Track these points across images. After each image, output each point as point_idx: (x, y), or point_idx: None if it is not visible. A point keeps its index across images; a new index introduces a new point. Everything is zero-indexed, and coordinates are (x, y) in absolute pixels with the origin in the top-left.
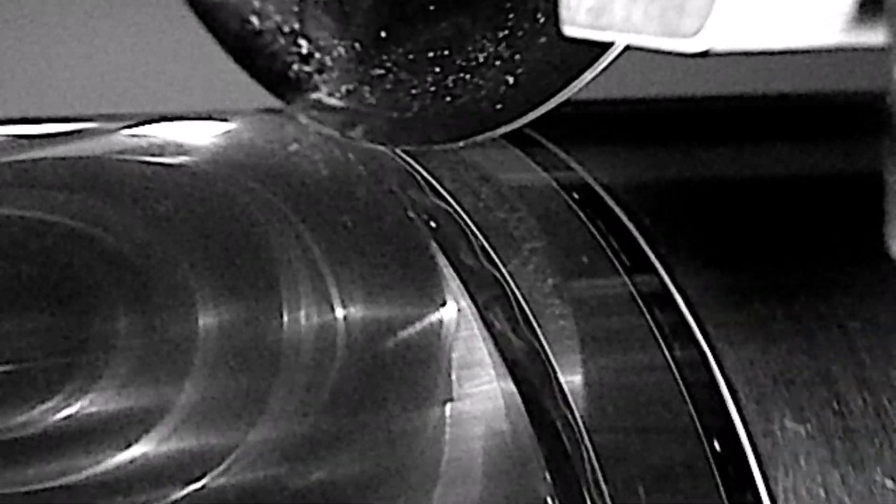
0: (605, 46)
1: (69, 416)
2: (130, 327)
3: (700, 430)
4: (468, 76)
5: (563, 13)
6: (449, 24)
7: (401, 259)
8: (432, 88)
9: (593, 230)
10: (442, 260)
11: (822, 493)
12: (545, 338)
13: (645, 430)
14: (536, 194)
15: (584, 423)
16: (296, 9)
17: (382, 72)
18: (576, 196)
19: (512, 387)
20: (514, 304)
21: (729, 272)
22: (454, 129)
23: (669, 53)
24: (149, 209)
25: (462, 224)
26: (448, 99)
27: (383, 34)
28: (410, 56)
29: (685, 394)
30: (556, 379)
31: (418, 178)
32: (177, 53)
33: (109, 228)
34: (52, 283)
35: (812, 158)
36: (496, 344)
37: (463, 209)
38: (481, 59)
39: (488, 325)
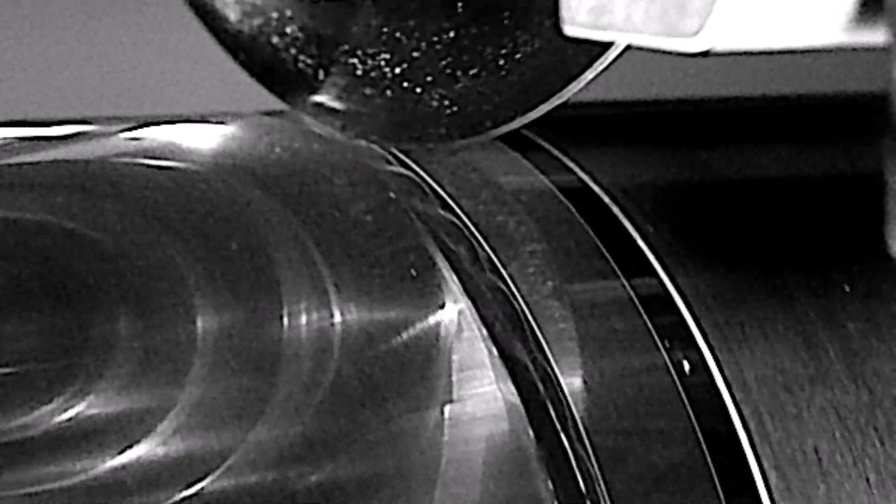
0: (606, 46)
1: (69, 418)
2: (130, 329)
3: (699, 432)
4: (467, 76)
5: (564, 13)
6: (449, 24)
7: (400, 260)
8: (431, 89)
9: (592, 232)
10: (442, 262)
11: (822, 495)
12: (545, 340)
13: (644, 432)
14: (535, 197)
15: (583, 424)
16: (296, 9)
17: (383, 72)
18: (575, 198)
19: (512, 389)
20: (514, 306)
21: (728, 273)
22: (453, 130)
23: (670, 53)
24: (148, 211)
25: (462, 226)
26: (447, 99)
27: (384, 35)
28: (410, 57)
29: (684, 395)
30: (556, 381)
31: (418, 179)
32: (177, 54)
33: (109, 230)
34: (51, 285)
35: (812, 159)
36: (496, 346)
37: (462, 211)
38: (481, 59)
39: (488, 327)
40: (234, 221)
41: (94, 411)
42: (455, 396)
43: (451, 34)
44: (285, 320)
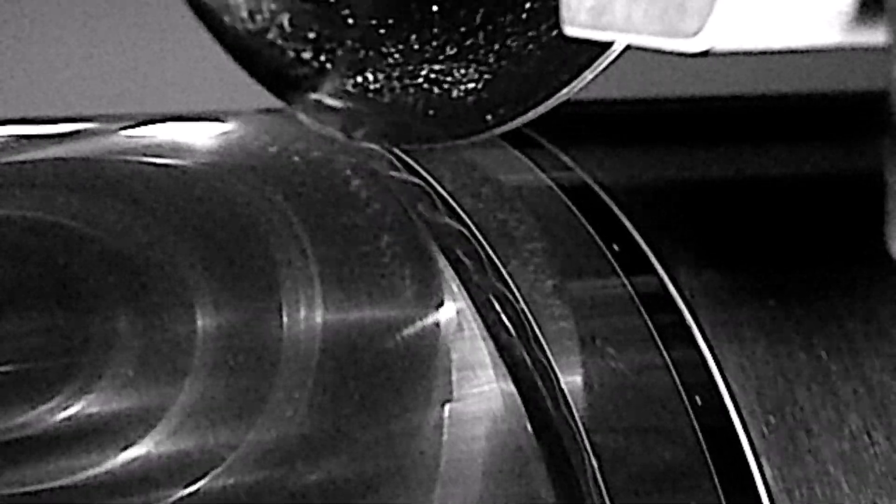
0: (606, 46)
1: (69, 417)
2: (130, 328)
3: (699, 431)
4: (468, 76)
5: (564, 13)
6: (449, 24)
7: (400, 259)
8: (432, 88)
9: (592, 231)
10: (442, 260)
11: (822, 495)
12: (545, 338)
13: (644, 431)
14: (536, 195)
15: (583, 423)
16: (296, 8)
17: (383, 72)
18: (575, 196)
19: (512, 388)
20: (514, 304)
21: (728, 272)
22: (454, 129)
23: (670, 53)
24: (148, 209)
25: (462, 225)
26: (448, 99)
27: (383, 34)
28: (410, 56)
29: (684, 394)
30: (556, 379)
31: (418, 178)
32: (177, 53)
33: (109, 229)
34: (51, 284)
35: (812, 158)
36: (496, 344)
37: (463, 210)
38: (481, 59)
39: (488, 326)
40: (234, 221)
41: (93, 410)
42: (455, 395)
43: (451, 36)
44: (285, 319)
